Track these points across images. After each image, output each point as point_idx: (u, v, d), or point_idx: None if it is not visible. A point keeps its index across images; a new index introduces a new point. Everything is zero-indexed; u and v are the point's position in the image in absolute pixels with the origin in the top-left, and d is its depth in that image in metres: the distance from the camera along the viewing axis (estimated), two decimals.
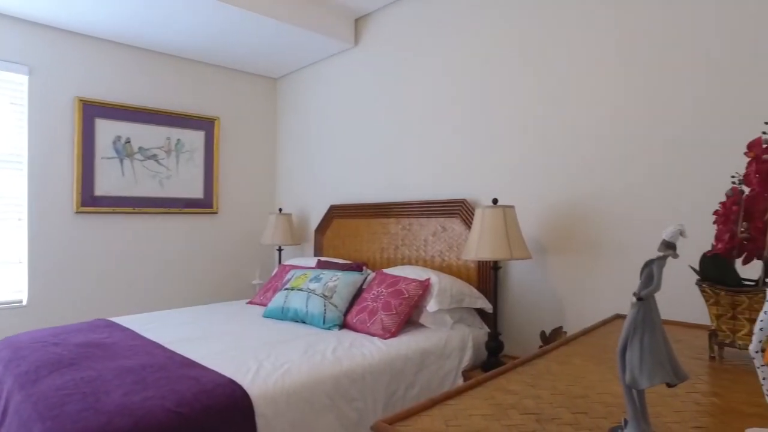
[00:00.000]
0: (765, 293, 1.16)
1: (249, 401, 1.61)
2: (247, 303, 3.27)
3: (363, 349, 2.13)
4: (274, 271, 3.45)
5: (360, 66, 3.64)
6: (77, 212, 3.40)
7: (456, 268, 2.81)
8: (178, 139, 3.91)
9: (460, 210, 2.77)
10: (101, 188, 3.51)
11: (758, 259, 1.22)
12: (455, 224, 2.81)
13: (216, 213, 4.14)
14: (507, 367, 1.11)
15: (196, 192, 4.02)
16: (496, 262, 2.40)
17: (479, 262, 2.67)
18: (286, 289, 2.82)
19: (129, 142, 3.65)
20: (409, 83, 3.24)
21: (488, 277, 2.63)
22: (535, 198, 2.52)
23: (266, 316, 2.78)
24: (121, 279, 3.62)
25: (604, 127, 2.26)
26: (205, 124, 4.07)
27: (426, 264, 2.98)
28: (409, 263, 3.09)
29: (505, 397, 0.93)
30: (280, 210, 4.06)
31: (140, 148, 3.70)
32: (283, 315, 2.71)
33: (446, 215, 2.86)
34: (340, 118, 3.82)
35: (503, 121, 2.67)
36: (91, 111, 3.46)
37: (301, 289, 2.73)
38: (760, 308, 1.17)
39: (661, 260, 0.67)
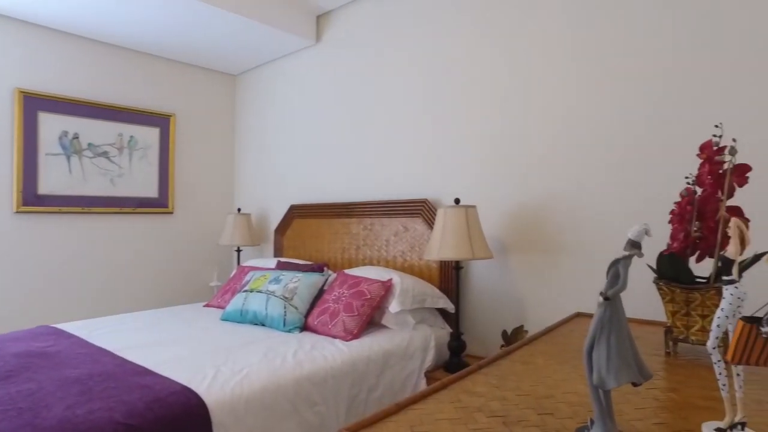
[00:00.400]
0: (716, 290, 1.19)
1: (205, 409, 1.54)
2: (204, 306, 3.16)
3: (325, 352, 2.08)
4: (233, 273, 3.36)
5: (322, 64, 3.59)
6: (17, 212, 3.19)
7: (418, 268, 2.80)
8: (131, 136, 3.74)
9: (422, 210, 2.77)
10: (46, 186, 3.31)
11: (710, 257, 1.27)
12: (417, 224, 2.81)
13: (171, 213, 3.99)
14: (471, 368, 1.10)
15: (151, 191, 3.86)
16: (458, 262, 2.41)
17: (441, 262, 2.67)
18: (245, 291, 2.75)
19: (77, 137, 3.46)
20: (371, 82, 3.21)
21: (450, 277, 2.64)
22: (497, 198, 2.54)
23: (224, 319, 2.70)
24: (69, 283, 3.42)
25: (563, 129, 2.30)
26: (160, 121, 3.91)
27: (388, 264, 2.97)
28: (371, 264, 3.06)
29: (470, 399, 0.92)
30: (239, 210, 3.96)
31: (90, 145, 3.52)
32: (242, 318, 2.63)
33: (408, 215, 2.85)
34: (300, 116, 3.75)
35: (465, 121, 2.68)
36: (34, 104, 3.26)
37: (260, 291, 2.66)
38: (712, 304, 1.21)
39: (627, 259, 0.67)
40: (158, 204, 3.90)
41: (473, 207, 2.33)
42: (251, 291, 2.71)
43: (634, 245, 0.68)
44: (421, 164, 2.90)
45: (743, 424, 0.75)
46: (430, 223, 2.72)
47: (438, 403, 0.90)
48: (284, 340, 2.24)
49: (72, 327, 2.51)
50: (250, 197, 4.26)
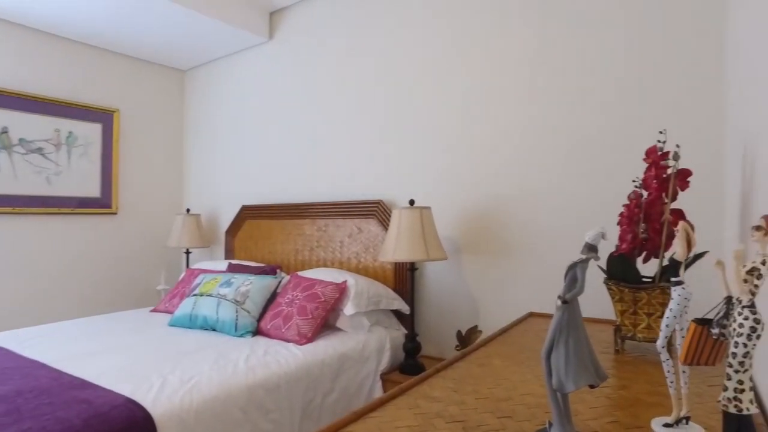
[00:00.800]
0: (661, 289, 1.24)
1: (152, 423, 1.46)
2: (151, 311, 3.02)
3: (278, 357, 2.03)
4: (182, 276, 3.22)
5: (275, 61, 3.51)
6: None
7: (372, 269, 2.79)
8: (70, 132, 3.52)
9: (377, 211, 2.76)
10: None
11: (655, 257, 1.32)
12: (372, 225, 2.79)
13: (115, 213, 3.78)
14: (429, 372, 1.09)
15: (92, 190, 3.65)
16: (412, 264, 2.41)
17: (396, 263, 2.67)
18: (195, 294, 2.64)
19: (6, 132, 3.21)
20: (325, 81, 3.17)
21: (405, 278, 2.64)
22: (451, 200, 2.56)
23: (172, 324, 2.58)
24: None
25: (517, 131, 2.35)
26: (103, 116, 3.71)
27: (342, 266, 2.93)
28: (325, 265, 3.02)
29: (429, 405, 0.91)
30: (188, 210, 3.81)
31: (21, 140, 3.28)
32: (191, 323, 2.52)
33: (362, 216, 2.83)
34: (252, 114, 3.66)
35: (420, 123, 2.69)
36: None
37: (210, 295, 2.56)
38: (657, 303, 1.26)
39: (584, 263, 0.68)
40: (100, 204, 3.70)
41: (428, 208, 2.34)
42: (201, 295, 2.61)
43: (591, 249, 0.69)
44: (375, 165, 2.88)
45: (688, 419, 0.79)
46: (384, 224, 2.71)
47: (396, 410, 0.88)
48: (236, 346, 2.17)
49: None
50: (199, 197, 4.11)
